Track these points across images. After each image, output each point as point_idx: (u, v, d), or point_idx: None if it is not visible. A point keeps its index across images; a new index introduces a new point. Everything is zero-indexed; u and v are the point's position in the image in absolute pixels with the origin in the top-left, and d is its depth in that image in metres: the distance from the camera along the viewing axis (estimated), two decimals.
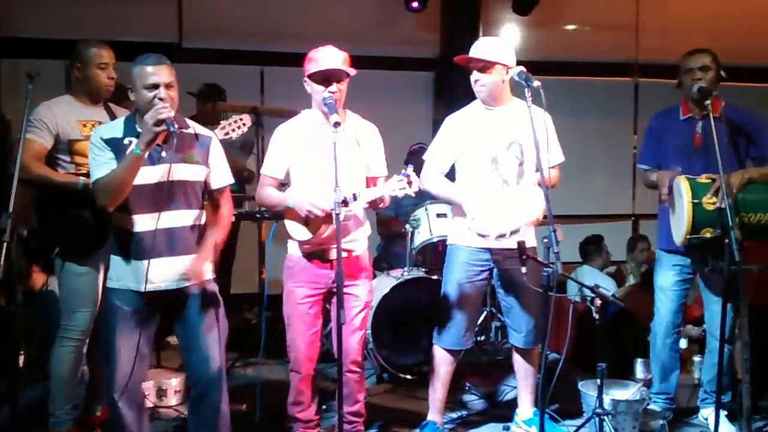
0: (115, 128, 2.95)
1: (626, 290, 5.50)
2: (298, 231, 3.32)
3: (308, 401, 3.47)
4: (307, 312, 3.38)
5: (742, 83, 6.91)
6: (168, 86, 2.87)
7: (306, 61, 3.25)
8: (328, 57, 3.19)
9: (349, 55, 3.27)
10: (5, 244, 2.67)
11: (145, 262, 2.89)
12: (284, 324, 3.45)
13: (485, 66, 3.48)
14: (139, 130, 2.89)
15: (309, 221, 3.27)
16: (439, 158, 3.67)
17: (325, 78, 3.18)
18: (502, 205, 3.44)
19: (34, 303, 4.20)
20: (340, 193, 2.91)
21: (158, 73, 2.85)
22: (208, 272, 3.07)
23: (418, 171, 6.10)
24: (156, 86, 2.84)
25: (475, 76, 3.53)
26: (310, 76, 3.23)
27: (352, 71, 3.23)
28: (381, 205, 3.29)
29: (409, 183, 3.08)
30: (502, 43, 3.54)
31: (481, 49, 3.49)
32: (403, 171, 3.09)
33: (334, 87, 3.18)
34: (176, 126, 2.80)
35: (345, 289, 3.31)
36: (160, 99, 2.83)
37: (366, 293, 3.47)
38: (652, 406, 3.98)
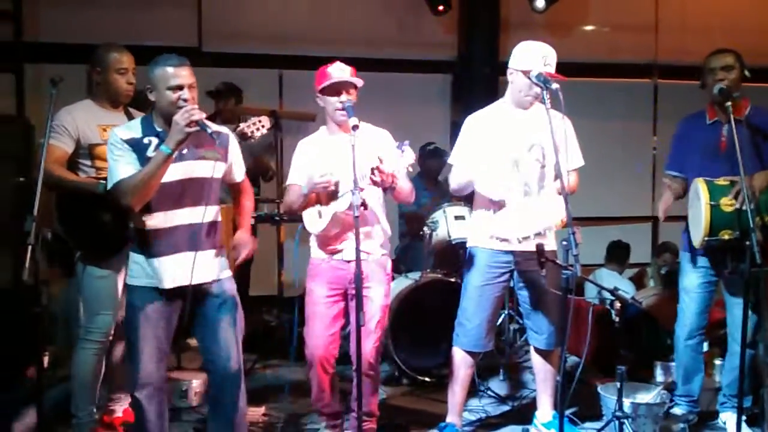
0: (133, 128, 2.97)
1: (647, 293, 5.47)
2: (313, 222, 3.41)
3: (329, 397, 3.54)
4: (325, 312, 3.45)
5: (762, 83, 6.83)
6: (191, 87, 2.91)
7: (317, 77, 3.42)
8: (337, 71, 3.39)
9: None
10: (30, 247, 2.71)
11: (168, 258, 2.94)
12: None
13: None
14: (158, 129, 2.93)
15: (321, 212, 3.38)
16: (465, 159, 3.62)
17: (336, 90, 3.36)
18: (524, 208, 3.45)
19: (56, 305, 4.23)
20: (359, 195, 3.00)
21: (182, 74, 2.89)
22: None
23: (431, 172, 6.04)
24: (180, 87, 2.87)
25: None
26: (321, 91, 3.40)
27: (360, 82, 3.40)
28: (393, 181, 3.27)
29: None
30: None
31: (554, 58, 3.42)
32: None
33: (344, 97, 3.36)
34: (211, 127, 2.86)
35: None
36: (185, 100, 2.86)
37: (382, 297, 3.49)
38: (675, 409, 3.96)
